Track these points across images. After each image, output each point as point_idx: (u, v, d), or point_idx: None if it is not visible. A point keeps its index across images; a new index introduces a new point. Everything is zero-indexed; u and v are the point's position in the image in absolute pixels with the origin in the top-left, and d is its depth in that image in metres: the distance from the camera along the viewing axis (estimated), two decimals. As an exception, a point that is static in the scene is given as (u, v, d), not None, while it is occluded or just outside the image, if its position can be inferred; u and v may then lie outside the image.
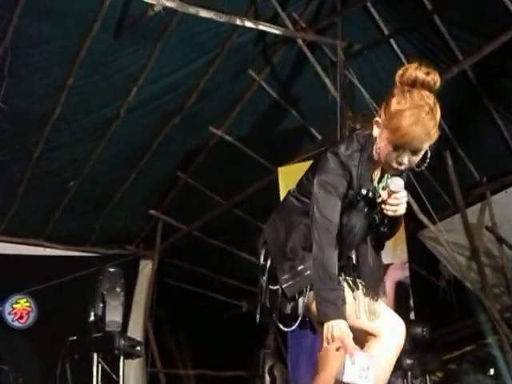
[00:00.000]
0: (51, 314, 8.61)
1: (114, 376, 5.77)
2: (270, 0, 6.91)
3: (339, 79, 7.36)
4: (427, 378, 6.11)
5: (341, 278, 3.17)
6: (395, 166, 2.97)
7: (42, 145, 7.57)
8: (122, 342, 5.70)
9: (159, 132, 7.99)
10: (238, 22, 6.69)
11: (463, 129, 7.56)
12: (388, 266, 6.76)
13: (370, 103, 7.67)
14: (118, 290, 5.92)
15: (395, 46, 7.43)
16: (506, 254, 7.56)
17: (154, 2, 6.10)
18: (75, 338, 5.84)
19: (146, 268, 9.85)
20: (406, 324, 6.04)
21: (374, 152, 3.04)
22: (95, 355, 5.71)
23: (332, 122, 7.07)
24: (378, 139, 3.00)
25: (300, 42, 7.31)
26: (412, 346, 5.98)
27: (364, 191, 3.07)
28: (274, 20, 7.10)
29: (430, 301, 7.80)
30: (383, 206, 3.02)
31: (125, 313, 6.29)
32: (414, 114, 2.87)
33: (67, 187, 8.38)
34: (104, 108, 7.41)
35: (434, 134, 2.91)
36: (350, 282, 3.24)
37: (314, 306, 3.08)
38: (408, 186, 7.55)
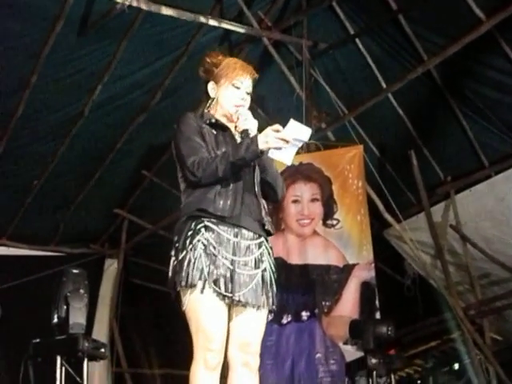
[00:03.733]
0: (15, 315, 8.45)
1: (77, 378, 5.69)
2: (235, -2, 6.90)
3: (305, 78, 7.37)
4: (392, 376, 6.11)
5: None
6: (241, 102, 3.51)
7: (5, 143, 7.47)
8: (86, 344, 5.61)
9: (124, 130, 7.94)
10: (203, 20, 6.66)
11: (428, 128, 7.60)
12: (353, 266, 6.77)
13: (335, 102, 7.70)
14: (82, 291, 5.83)
15: (360, 46, 7.46)
16: (470, 252, 7.61)
17: (118, 0, 6.05)
18: (38, 340, 5.75)
19: (112, 267, 9.78)
20: (372, 323, 6.14)
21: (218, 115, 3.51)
22: (59, 358, 5.60)
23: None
24: (217, 101, 3.52)
25: (265, 40, 7.30)
26: (377, 345, 5.99)
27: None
28: (239, 19, 7.09)
29: (395, 299, 7.83)
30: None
31: (89, 313, 6.22)
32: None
33: (31, 186, 8.29)
34: (68, 106, 7.33)
35: (250, 67, 3.57)
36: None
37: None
38: (373, 186, 7.63)
